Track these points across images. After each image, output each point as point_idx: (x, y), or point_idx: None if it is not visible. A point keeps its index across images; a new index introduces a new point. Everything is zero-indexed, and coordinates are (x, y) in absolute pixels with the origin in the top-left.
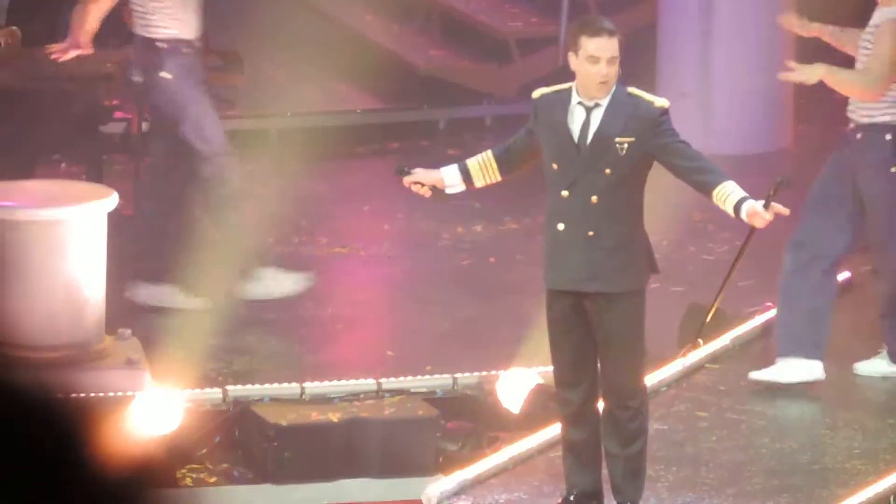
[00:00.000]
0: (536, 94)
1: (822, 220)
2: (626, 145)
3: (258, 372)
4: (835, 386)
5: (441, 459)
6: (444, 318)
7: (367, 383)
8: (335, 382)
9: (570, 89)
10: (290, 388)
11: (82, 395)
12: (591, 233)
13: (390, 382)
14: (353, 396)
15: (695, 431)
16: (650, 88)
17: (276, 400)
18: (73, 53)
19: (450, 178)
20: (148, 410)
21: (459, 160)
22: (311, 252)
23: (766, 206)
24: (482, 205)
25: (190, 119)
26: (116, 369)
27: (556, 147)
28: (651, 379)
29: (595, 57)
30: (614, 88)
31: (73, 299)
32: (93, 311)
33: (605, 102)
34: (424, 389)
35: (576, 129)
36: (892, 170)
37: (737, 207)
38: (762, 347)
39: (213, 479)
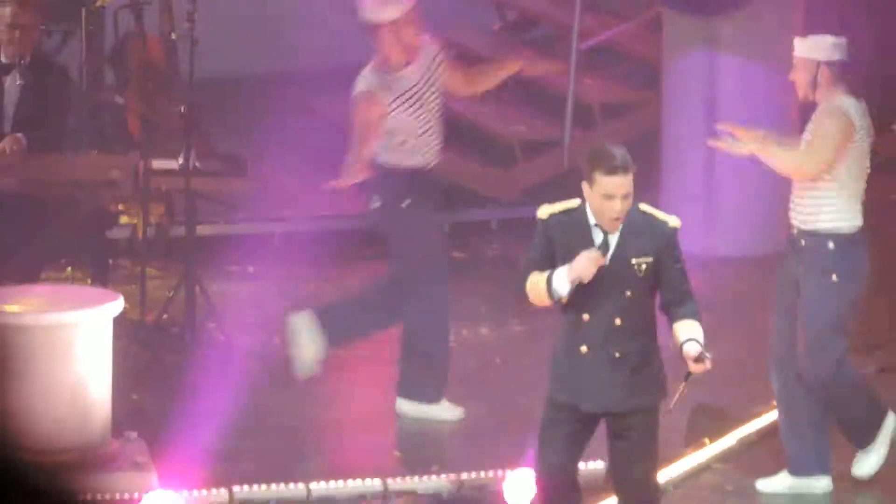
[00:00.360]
0: (544, 213)
1: (791, 332)
2: (644, 266)
3: (264, 473)
4: (845, 480)
5: None
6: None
7: (374, 484)
8: (341, 483)
9: (581, 209)
10: (296, 490)
11: (90, 497)
12: (617, 354)
13: (396, 483)
14: (360, 497)
15: None
16: (655, 191)
17: (282, 501)
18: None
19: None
20: None
21: (468, 264)
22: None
23: (696, 360)
24: (486, 308)
25: (415, 252)
26: (123, 472)
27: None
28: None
29: (610, 195)
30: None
31: (78, 403)
32: (99, 414)
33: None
34: (431, 490)
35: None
36: (833, 278)
37: (682, 344)
38: (770, 448)
39: None
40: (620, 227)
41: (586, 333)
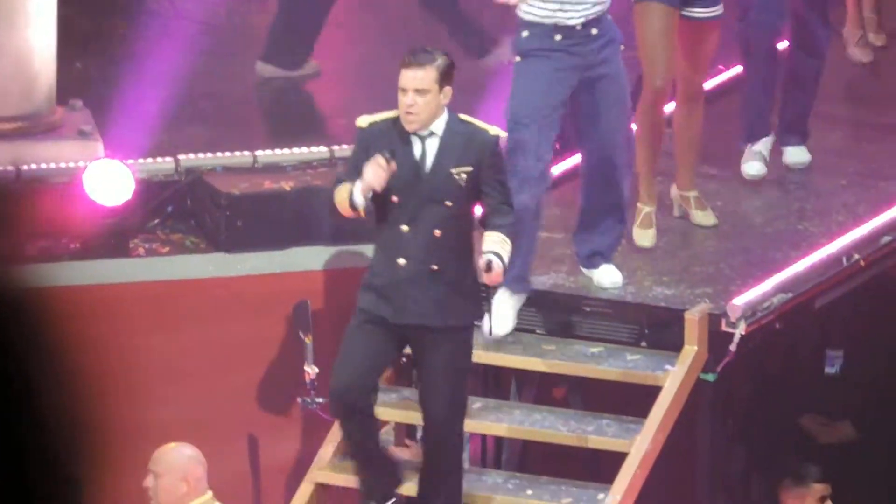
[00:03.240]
0: (364, 122)
1: None
2: (464, 176)
3: (210, 141)
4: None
5: None
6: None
7: (320, 151)
8: (287, 151)
9: (399, 119)
10: (242, 158)
11: (34, 166)
12: (434, 267)
13: (343, 150)
14: (306, 164)
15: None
16: None
17: (228, 169)
18: None
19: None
20: (100, 181)
21: None
22: (261, 22)
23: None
24: None
25: None
26: (68, 140)
27: (395, 178)
28: None
29: (403, 88)
30: (447, 117)
31: (23, 71)
32: (43, 82)
33: (439, 131)
34: None
35: (415, 160)
36: None
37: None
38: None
39: (165, 249)
40: (439, 134)
41: (405, 245)
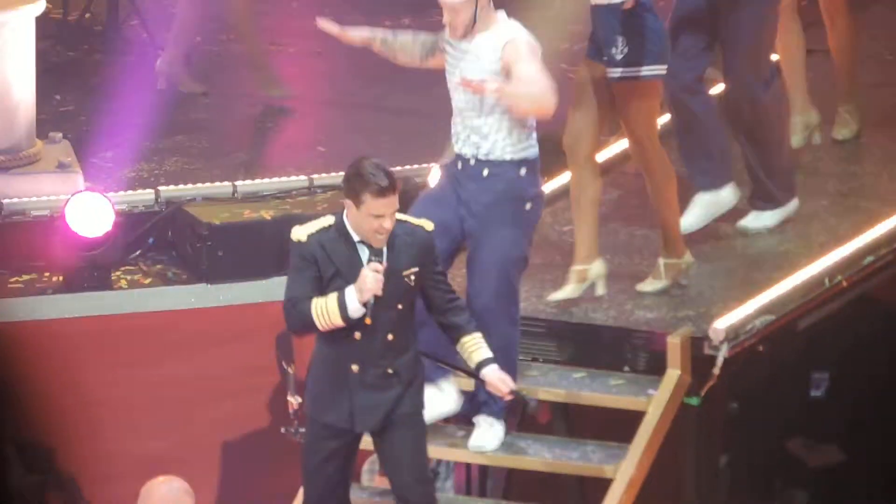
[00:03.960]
0: (301, 235)
1: None
2: (413, 276)
3: (190, 172)
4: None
5: None
6: (377, 112)
7: (299, 180)
8: (267, 180)
9: (339, 226)
10: (222, 188)
11: (15, 199)
12: (390, 370)
13: (322, 179)
14: (286, 193)
15: (629, 216)
16: None
17: (208, 199)
18: None
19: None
20: (81, 213)
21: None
22: (240, 49)
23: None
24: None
25: None
26: (49, 173)
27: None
28: None
29: (380, 215)
30: None
31: (2, 104)
32: (23, 115)
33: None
34: None
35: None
36: None
37: (479, 366)
38: None
39: (147, 281)
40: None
41: (358, 352)
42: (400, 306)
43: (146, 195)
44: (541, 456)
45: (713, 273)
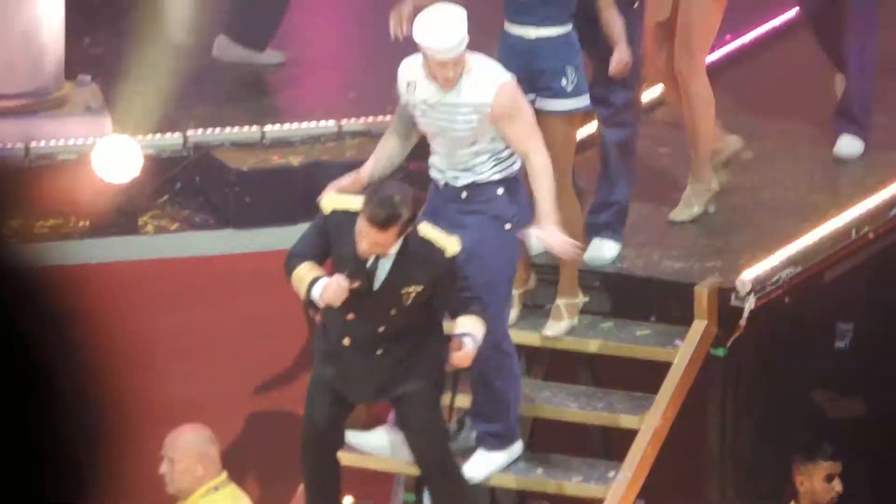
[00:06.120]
0: (328, 206)
1: None
2: (412, 295)
3: (219, 116)
4: (795, 118)
5: None
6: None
7: (328, 126)
8: (296, 126)
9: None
10: (250, 133)
11: (42, 143)
12: (380, 352)
13: (351, 125)
14: (314, 139)
15: (658, 166)
16: None
17: (236, 144)
18: None
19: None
20: (109, 157)
21: None
22: None
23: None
24: None
25: None
26: (77, 116)
27: (345, 273)
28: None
29: (360, 232)
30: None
31: (30, 46)
32: (52, 57)
33: (394, 252)
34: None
35: (365, 268)
36: None
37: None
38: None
39: (174, 226)
40: (394, 252)
41: (351, 328)
42: (393, 311)
43: (174, 140)
44: (566, 406)
45: (740, 224)
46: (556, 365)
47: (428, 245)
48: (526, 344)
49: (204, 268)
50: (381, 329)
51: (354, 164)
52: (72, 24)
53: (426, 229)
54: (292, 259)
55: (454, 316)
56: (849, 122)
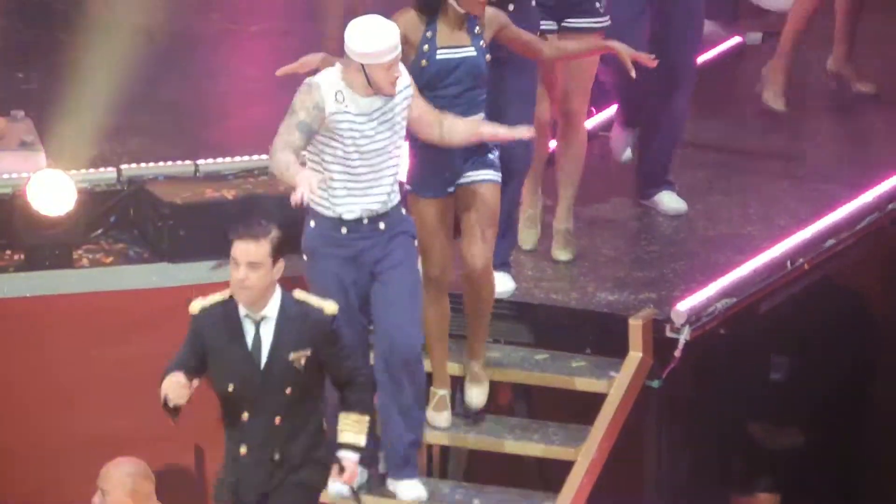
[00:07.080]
0: (195, 308)
1: None
2: (303, 360)
3: (152, 151)
4: (728, 151)
5: None
6: None
7: (262, 159)
8: (229, 159)
9: (232, 300)
10: (184, 167)
11: None
12: (277, 456)
13: None
14: (247, 173)
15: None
16: None
17: (170, 178)
18: None
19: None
20: (44, 191)
21: None
22: (202, 29)
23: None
24: None
25: None
26: (11, 151)
27: (230, 368)
28: None
29: (235, 261)
30: (280, 297)
31: None
32: None
33: (273, 314)
34: None
35: (248, 350)
36: None
37: (340, 446)
38: None
39: (109, 260)
40: (273, 318)
41: (245, 433)
42: (289, 391)
43: (108, 174)
44: (502, 437)
45: (675, 256)
46: (491, 397)
47: (304, 305)
48: (460, 375)
49: (138, 301)
50: (277, 421)
51: (288, 198)
52: (4, 60)
53: (301, 293)
54: (167, 370)
55: (340, 387)
56: (662, 182)
